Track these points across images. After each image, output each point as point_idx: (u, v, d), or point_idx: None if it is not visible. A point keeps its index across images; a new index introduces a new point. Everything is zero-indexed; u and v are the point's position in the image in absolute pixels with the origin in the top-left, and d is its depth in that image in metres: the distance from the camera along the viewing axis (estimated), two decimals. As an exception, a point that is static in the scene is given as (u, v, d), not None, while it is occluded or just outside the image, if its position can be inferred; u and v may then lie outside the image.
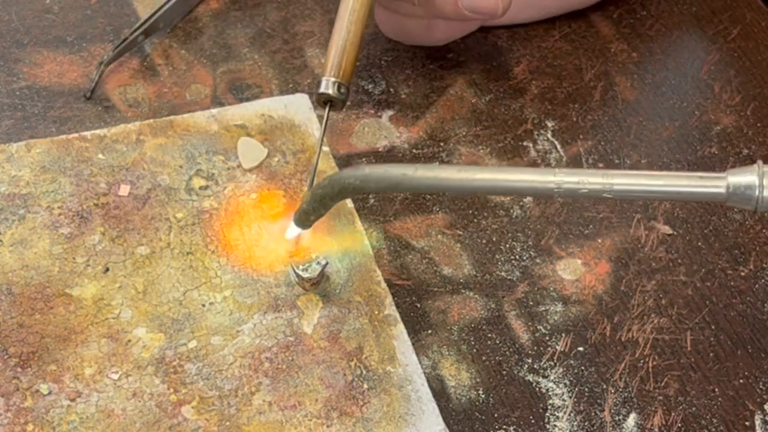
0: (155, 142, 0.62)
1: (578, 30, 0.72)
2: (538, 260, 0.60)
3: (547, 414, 0.55)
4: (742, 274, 0.61)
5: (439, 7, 0.62)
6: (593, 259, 0.61)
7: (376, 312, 0.57)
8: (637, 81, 0.70)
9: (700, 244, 0.62)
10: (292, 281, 0.57)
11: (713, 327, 0.59)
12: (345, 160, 0.64)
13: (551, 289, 0.59)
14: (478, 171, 0.50)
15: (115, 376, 0.53)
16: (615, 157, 0.66)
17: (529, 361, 0.57)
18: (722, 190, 0.50)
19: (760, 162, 0.50)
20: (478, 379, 0.56)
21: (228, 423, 0.52)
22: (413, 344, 0.56)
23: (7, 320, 0.55)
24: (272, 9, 0.71)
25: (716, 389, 0.56)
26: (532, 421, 0.55)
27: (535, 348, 0.57)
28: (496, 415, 0.55)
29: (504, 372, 0.56)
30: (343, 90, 0.60)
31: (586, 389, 0.56)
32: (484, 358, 0.57)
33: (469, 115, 0.67)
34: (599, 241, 0.61)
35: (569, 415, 0.55)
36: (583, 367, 0.57)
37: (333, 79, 0.60)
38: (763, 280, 0.60)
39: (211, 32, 0.70)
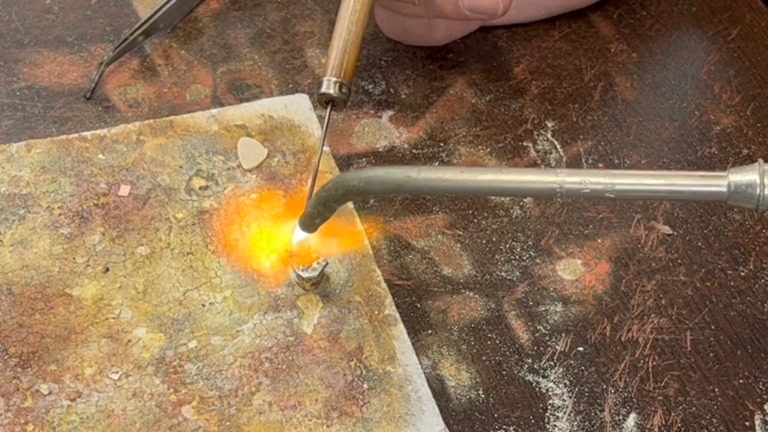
0: (155, 142, 0.62)
1: (578, 30, 0.72)
2: (538, 260, 0.60)
3: (547, 414, 0.55)
4: (742, 274, 0.61)
5: (440, 6, 0.62)
6: (593, 259, 0.61)
7: (376, 312, 0.57)
8: (637, 81, 0.70)
9: (700, 244, 0.62)
10: (292, 281, 0.57)
11: (713, 327, 0.59)
12: (345, 161, 0.64)
13: (551, 289, 0.59)
14: (480, 172, 0.50)
15: (116, 376, 0.53)
16: (615, 157, 0.66)
17: (529, 361, 0.57)
18: (723, 189, 0.50)
19: (760, 161, 0.50)
20: (478, 379, 0.56)
21: (228, 423, 0.52)
22: (413, 344, 0.56)
23: (8, 320, 0.55)
24: (272, 9, 0.71)
25: (716, 389, 0.56)
26: (532, 421, 0.55)
27: (535, 348, 0.57)
28: (496, 415, 0.55)
29: (504, 372, 0.56)
30: (344, 90, 0.60)
31: (586, 389, 0.56)
32: (484, 358, 0.57)
33: (469, 115, 0.67)
34: (599, 241, 0.61)
35: (569, 415, 0.55)
36: (583, 367, 0.57)
37: (334, 79, 0.60)
38: (763, 280, 0.60)
39: (211, 32, 0.70)
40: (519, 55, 0.70)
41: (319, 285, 0.57)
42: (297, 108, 0.65)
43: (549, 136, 0.66)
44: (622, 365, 0.57)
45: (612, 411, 0.55)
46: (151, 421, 0.52)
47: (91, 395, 0.53)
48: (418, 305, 0.58)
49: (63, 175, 0.60)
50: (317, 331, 0.56)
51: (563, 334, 0.58)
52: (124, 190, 0.60)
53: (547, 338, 0.57)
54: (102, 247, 0.58)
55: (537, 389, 0.56)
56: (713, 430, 0.55)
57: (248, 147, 0.63)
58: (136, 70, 0.67)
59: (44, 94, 0.65)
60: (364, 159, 0.64)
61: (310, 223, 0.55)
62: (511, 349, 0.57)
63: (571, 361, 0.57)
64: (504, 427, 0.54)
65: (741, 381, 0.57)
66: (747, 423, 0.55)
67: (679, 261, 0.61)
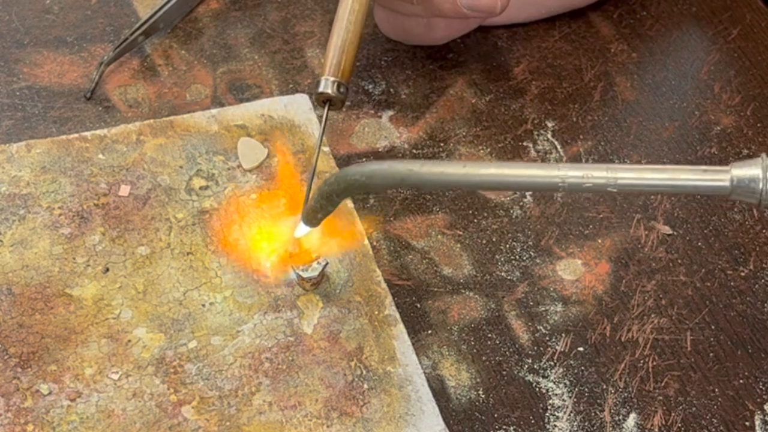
0: (155, 142, 0.62)
1: (578, 30, 0.72)
2: (538, 260, 0.60)
3: (547, 414, 0.55)
4: (742, 274, 0.61)
5: (438, 5, 0.62)
6: (593, 259, 0.61)
7: (376, 312, 0.57)
8: (637, 81, 0.70)
9: (700, 244, 0.62)
10: (292, 281, 0.57)
11: (713, 327, 0.59)
12: (345, 161, 0.64)
13: (551, 289, 0.59)
14: (483, 166, 0.50)
15: (116, 377, 0.53)
16: (615, 157, 0.66)
17: (529, 361, 0.57)
18: (726, 184, 0.50)
19: (763, 155, 0.49)
20: (478, 379, 0.56)
21: (228, 423, 0.52)
22: (413, 344, 0.56)
23: (8, 320, 0.55)
24: (272, 9, 0.71)
25: (716, 389, 0.56)
26: (532, 421, 0.55)
27: (535, 348, 0.57)
28: (496, 415, 0.55)
29: (504, 372, 0.56)
30: (342, 89, 0.60)
31: (586, 389, 0.56)
32: (484, 358, 0.57)
33: (469, 115, 0.67)
34: (599, 241, 0.61)
35: (569, 415, 0.55)
36: (583, 367, 0.57)
37: (332, 79, 0.60)
38: (763, 280, 0.60)
39: (211, 32, 0.70)
40: (519, 55, 0.70)
41: (319, 285, 0.57)
42: (297, 108, 0.65)
43: (549, 136, 0.66)
44: (622, 365, 0.57)
45: (612, 411, 0.55)
46: (151, 421, 0.52)
47: (91, 395, 0.53)
48: (418, 305, 0.58)
49: (63, 175, 0.60)
50: (317, 331, 0.56)
51: (563, 334, 0.58)
52: (125, 190, 0.60)
53: (547, 338, 0.57)
54: (102, 247, 0.58)
55: (537, 389, 0.56)
56: (713, 430, 0.55)
57: (248, 147, 0.63)
58: (136, 70, 0.67)
59: (44, 94, 0.65)
60: (364, 159, 0.64)
61: (312, 217, 0.55)
62: (511, 349, 0.57)
63: (571, 361, 0.57)
64: (504, 427, 0.54)
65: (741, 381, 0.57)
66: (747, 423, 0.55)
67: (679, 261, 0.61)
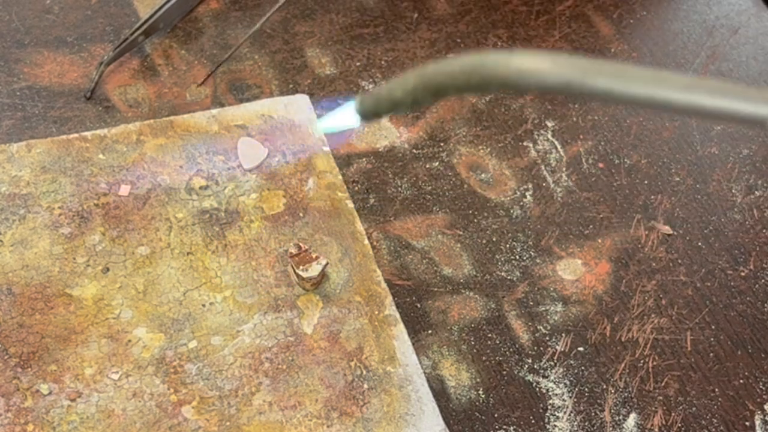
0: (155, 142, 0.62)
1: (578, 30, 0.72)
2: (538, 260, 0.60)
3: (547, 414, 0.55)
4: (742, 274, 0.61)
5: None
6: (593, 259, 0.61)
7: (376, 312, 0.56)
8: (637, 81, 0.70)
9: (700, 244, 0.62)
10: (292, 281, 0.57)
11: (713, 327, 0.58)
12: (345, 161, 0.64)
13: (551, 289, 0.59)
14: (672, 81, 0.36)
15: (116, 376, 0.53)
16: (615, 157, 0.66)
17: (529, 361, 0.57)
18: None
19: None
20: (478, 379, 0.56)
21: (228, 423, 0.52)
22: (413, 344, 0.56)
23: (8, 320, 0.55)
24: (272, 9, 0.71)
25: (716, 389, 0.56)
26: (532, 421, 0.55)
27: (535, 348, 0.57)
28: (496, 415, 0.55)
29: (504, 372, 0.56)
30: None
31: (586, 389, 0.56)
32: (484, 358, 0.57)
33: (469, 115, 0.67)
34: (599, 241, 0.61)
35: (569, 415, 0.55)
36: (583, 367, 0.57)
37: None
38: (763, 280, 0.60)
39: (211, 32, 0.70)
40: (519, 55, 0.70)
41: (319, 285, 0.57)
42: (297, 108, 0.65)
43: (549, 135, 0.66)
44: (622, 365, 0.57)
45: (612, 411, 0.55)
46: (151, 421, 0.52)
47: (91, 395, 0.53)
48: (418, 305, 0.58)
49: (63, 175, 0.60)
50: (317, 331, 0.56)
51: (563, 334, 0.58)
52: (125, 190, 0.60)
53: (547, 338, 0.57)
54: (102, 247, 0.58)
55: (537, 389, 0.56)
56: (713, 430, 0.55)
57: (248, 147, 0.63)
58: (136, 70, 0.67)
59: (44, 94, 0.65)
60: (364, 159, 0.64)
61: (383, 109, 0.39)
62: (511, 349, 0.57)
63: (571, 361, 0.57)
64: (504, 427, 0.54)
65: (741, 381, 0.57)
66: (747, 423, 0.55)
67: (679, 261, 0.61)
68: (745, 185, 0.65)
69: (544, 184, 0.64)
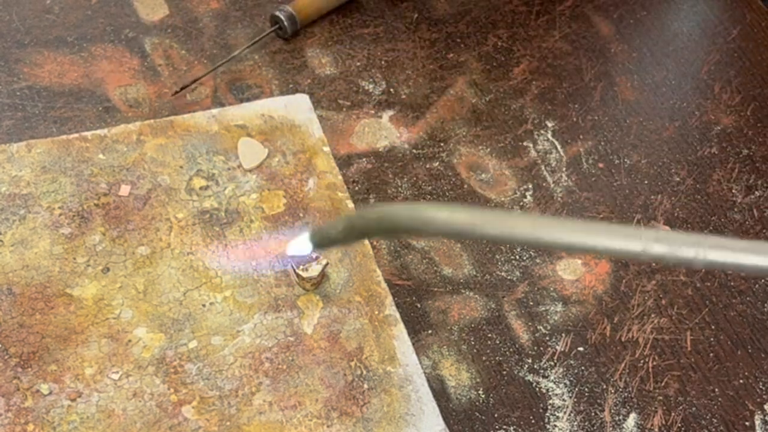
0: (156, 142, 0.62)
1: (578, 30, 0.72)
2: (538, 260, 0.60)
3: (547, 414, 0.55)
4: (742, 274, 0.61)
5: None
6: (593, 259, 0.61)
7: (376, 312, 0.57)
8: (637, 81, 0.70)
9: (700, 244, 0.62)
10: (292, 281, 0.57)
11: (713, 327, 0.59)
12: (345, 160, 0.64)
13: (551, 289, 0.59)
14: (554, 225, 0.43)
15: (116, 376, 0.53)
16: (615, 157, 0.66)
17: (529, 361, 0.57)
18: None
19: None
20: (478, 379, 0.56)
21: (228, 423, 0.52)
22: (413, 344, 0.56)
23: (8, 320, 0.55)
24: (272, 9, 0.71)
25: (716, 389, 0.56)
26: (532, 421, 0.55)
27: (535, 348, 0.57)
28: (496, 415, 0.55)
29: (504, 372, 0.56)
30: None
31: (586, 389, 0.56)
32: (484, 358, 0.57)
33: (469, 115, 0.67)
34: (599, 241, 0.61)
35: (569, 415, 0.55)
36: (583, 367, 0.57)
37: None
38: (763, 281, 0.60)
39: (211, 32, 0.70)
40: (519, 55, 0.70)
41: (319, 285, 0.57)
42: (297, 108, 0.65)
43: (549, 136, 0.66)
44: (622, 365, 0.57)
45: (612, 411, 0.55)
46: (151, 421, 0.52)
47: (91, 395, 0.53)
48: (419, 305, 0.58)
49: (63, 175, 0.60)
50: (317, 331, 0.56)
51: (563, 334, 0.58)
52: (125, 190, 0.60)
53: (547, 338, 0.57)
54: (102, 247, 0.58)
55: (537, 389, 0.56)
56: (713, 430, 0.55)
57: (248, 147, 0.63)
58: (137, 70, 0.67)
59: (44, 94, 0.65)
60: (364, 159, 0.64)
61: (325, 244, 0.48)
62: (511, 349, 0.57)
63: (571, 361, 0.57)
64: (504, 427, 0.54)
65: (741, 381, 0.57)
66: (747, 423, 0.55)
67: (679, 261, 0.61)
68: (745, 185, 0.65)
69: (544, 184, 0.64)
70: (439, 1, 0.73)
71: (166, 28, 0.69)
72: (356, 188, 0.63)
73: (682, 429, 0.55)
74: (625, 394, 0.56)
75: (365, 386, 0.54)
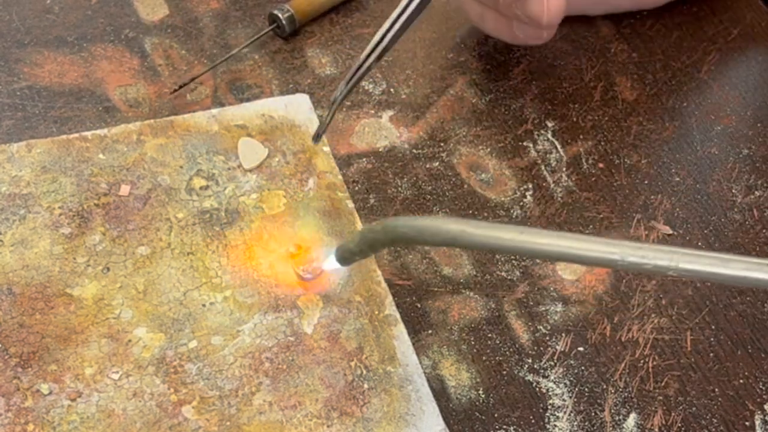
0: (156, 142, 0.62)
1: (578, 30, 0.72)
2: (538, 260, 0.60)
3: (547, 414, 0.55)
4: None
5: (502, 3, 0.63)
6: (593, 259, 0.61)
7: (377, 312, 0.57)
8: (637, 81, 0.70)
9: (700, 244, 0.62)
10: (292, 281, 0.57)
11: (713, 327, 0.59)
12: (345, 161, 0.64)
13: (551, 289, 0.59)
14: (540, 235, 0.46)
15: (116, 376, 0.53)
16: (615, 157, 0.66)
17: (529, 361, 0.57)
18: None
19: None
20: (478, 379, 0.56)
21: (228, 423, 0.52)
22: (413, 344, 0.56)
23: (8, 320, 0.55)
24: (272, 9, 0.71)
25: (716, 389, 0.56)
26: (532, 421, 0.55)
27: (535, 348, 0.57)
28: (496, 415, 0.55)
29: (504, 372, 0.56)
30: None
31: (586, 389, 0.56)
32: (484, 358, 0.57)
33: (469, 115, 0.67)
34: (599, 241, 0.61)
35: (569, 415, 0.55)
36: (583, 367, 0.57)
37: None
38: (763, 280, 0.60)
39: (211, 32, 0.70)
40: (519, 55, 0.70)
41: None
42: (297, 108, 0.65)
43: (549, 136, 0.66)
44: (622, 365, 0.57)
45: (612, 411, 0.55)
46: (151, 421, 0.52)
47: (91, 395, 0.53)
48: (419, 305, 0.58)
49: (63, 175, 0.60)
50: (317, 331, 0.56)
51: (563, 334, 0.58)
52: (125, 189, 0.60)
53: (547, 338, 0.58)
54: (102, 247, 0.58)
55: (537, 389, 0.56)
56: (713, 430, 0.55)
57: (248, 147, 0.63)
58: (137, 70, 0.67)
59: (45, 94, 0.65)
60: (364, 159, 0.64)
61: (348, 257, 0.54)
62: (511, 349, 0.57)
63: (572, 361, 0.57)
64: (504, 427, 0.54)
65: (741, 381, 0.57)
66: (747, 423, 0.55)
67: (679, 261, 0.61)
68: (745, 185, 0.65)
69: (544, 184, 0.64)
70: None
71: (166, 28, 0.69)
72: (356, 188, 0.63)
73: (682, 429, 0.55)
74: (625, 394, 0.56)
75: (365, 386, 0.54)
